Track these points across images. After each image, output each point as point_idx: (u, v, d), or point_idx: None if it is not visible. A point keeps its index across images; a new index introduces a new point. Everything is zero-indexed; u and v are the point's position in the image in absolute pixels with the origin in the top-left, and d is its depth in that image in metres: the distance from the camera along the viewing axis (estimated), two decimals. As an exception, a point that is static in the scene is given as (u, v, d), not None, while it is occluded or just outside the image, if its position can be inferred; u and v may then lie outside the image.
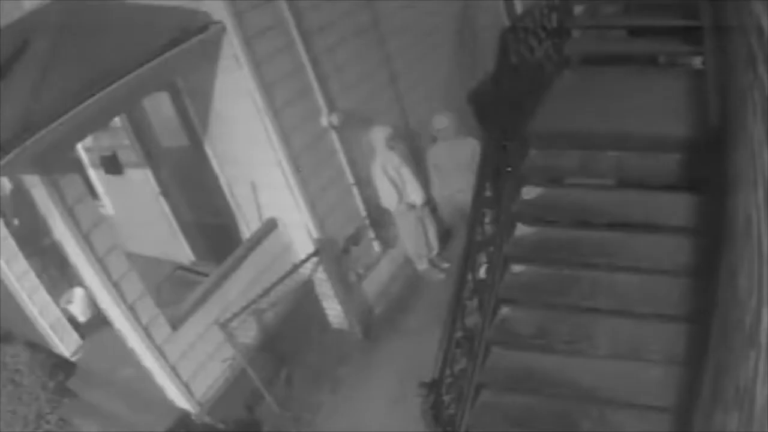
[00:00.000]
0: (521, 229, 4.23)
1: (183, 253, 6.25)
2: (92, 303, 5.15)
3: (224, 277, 4.91)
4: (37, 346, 5.60)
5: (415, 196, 5.51)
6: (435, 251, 5.90)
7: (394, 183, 5.36)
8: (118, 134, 5.93)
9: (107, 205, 6.66)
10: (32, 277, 5.29)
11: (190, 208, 6.11)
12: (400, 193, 5.42)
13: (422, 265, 5.92)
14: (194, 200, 6.03)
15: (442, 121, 5.46)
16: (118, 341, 4.46)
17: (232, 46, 4.49)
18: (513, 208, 4.19)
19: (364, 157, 5.51)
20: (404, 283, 5.93)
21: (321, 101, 5.12)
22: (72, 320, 5.53)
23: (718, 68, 3.46)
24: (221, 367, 4.80)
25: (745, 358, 1.68)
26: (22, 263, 5.22)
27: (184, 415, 4.66)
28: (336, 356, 5.28)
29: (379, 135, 5.35)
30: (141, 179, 6.06)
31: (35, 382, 5.34)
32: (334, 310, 5.48)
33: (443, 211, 5.92)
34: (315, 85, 5.06)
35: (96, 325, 5.33)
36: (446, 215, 5.96)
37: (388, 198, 5.44)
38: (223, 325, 4.57)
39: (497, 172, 4.04)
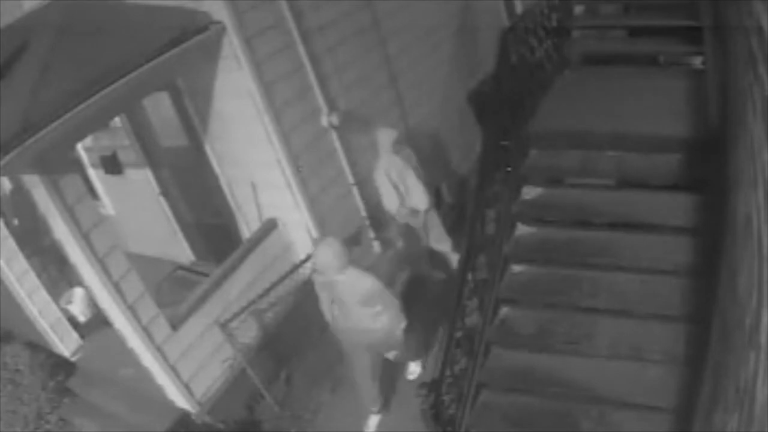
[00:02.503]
0: (521, 229, 4.23)
1: (183, 253, 6.25)
2: (92, 303, 5.15)
3: (224, 277, 4.91)
4: (37, 346, 5.60)
5: (419, 201, 5.37)
6: (448, 249, 5.78)
7: (396, 187, 5.25)
8: (118, 134, 5.93)
9: (107, 205, 6.66)
10: (32, 277, 5.29)
11: (190, 208, 6.10)
12: (402, 198, 5.30)
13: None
14: (194, 200, 6.03)
15: (327, 254, 4.02)
16: (118, 341, 4.45)
17: (232, 46, 4.49)
18: (513, 208, 4.19)
19: (364, 156, 5.51)
20: (404, 283, 5.92)
21: (321, 101, 5.12)
22: (72, 320, 5.53)
23: (718, 68, 3.46)
24: (221, 367, 4.80)
25: (745, 358, 1.68)
26: (22, 263, 5.23)
27: (184, 415, 4.66)
28: (336, 356, 5.27)
29: (384, 138, 5.25)
30: (141, 179, 6.06)
31: (35, 382, 5.34)
32: (334, 310, 5.47)
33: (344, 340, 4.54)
34: (315, 85, 5.06)
35: (96, 325, 5.33)
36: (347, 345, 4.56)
37: (389, 202, 5.39)
38: (223, 325, 4.57)
39: (497, 172, 4.05)
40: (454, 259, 5.69)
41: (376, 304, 4.07)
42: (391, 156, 5.24)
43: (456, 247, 5.63)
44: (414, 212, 5.45)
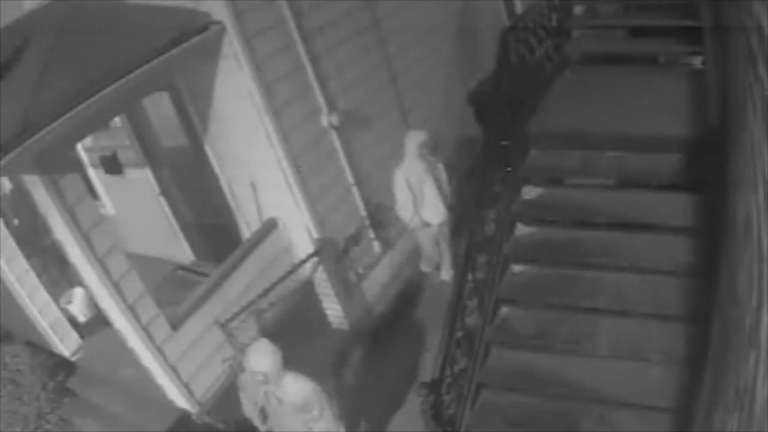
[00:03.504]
0: (521, 229, 4.23)
1: (183, 253, 6.25)
2: (92, 303, 5.14)
3: (224, 277, 4.91)
4: (37, 346, 5.59)
5: (433, 215, 5.29)
6: (446, 265, 5.75)
7: (413, 195, 5.14)
8: (118, 134, 5.92)
9: (107, 205, 6.66)
10: (32, 277, 5.29)
11: (190, 208, 6.10)
12: (416, 208, 5.21)
13: (427, 268, 5.90)
14: (194, 200, 6.03)
15: (266, 357, 3.54)
16: (118, 341, 4.45)
17: (232, 46, 4.49)
18: (513, 208, 4.19)
19: (364, 156, 5.50)
20: (404, 283, 5.92)
21: (321, 101, 5.12)
22: (72, 320, 5.53)
23: (718, 68, 3.46)
24: (221, 367, 4.80)
25: (745, 358, 1.68)
26: (22, 263, 5.22)
27: (184, 415, 4.65)
28: (336, 356, 5.28)
29: (412, 139, 5.11)
30: (141, 179, 6.06)
31: (35, 382, 5.33)
32: (334, 310, 5.48)
33: None
34: (315, 85, 5.06)
35: (96, 325, 5.33)
36: None
37: (403, 209, 5.27)
38: (223, 325, 4.57)
39: (497, 172, 4.05)
40: (450, 275, 5.67)
41: (313, 408, 3.57)
42: (414, 160, 5.11)
43: (454, 260, 5.56)
44: (426, 224, 5.37)
